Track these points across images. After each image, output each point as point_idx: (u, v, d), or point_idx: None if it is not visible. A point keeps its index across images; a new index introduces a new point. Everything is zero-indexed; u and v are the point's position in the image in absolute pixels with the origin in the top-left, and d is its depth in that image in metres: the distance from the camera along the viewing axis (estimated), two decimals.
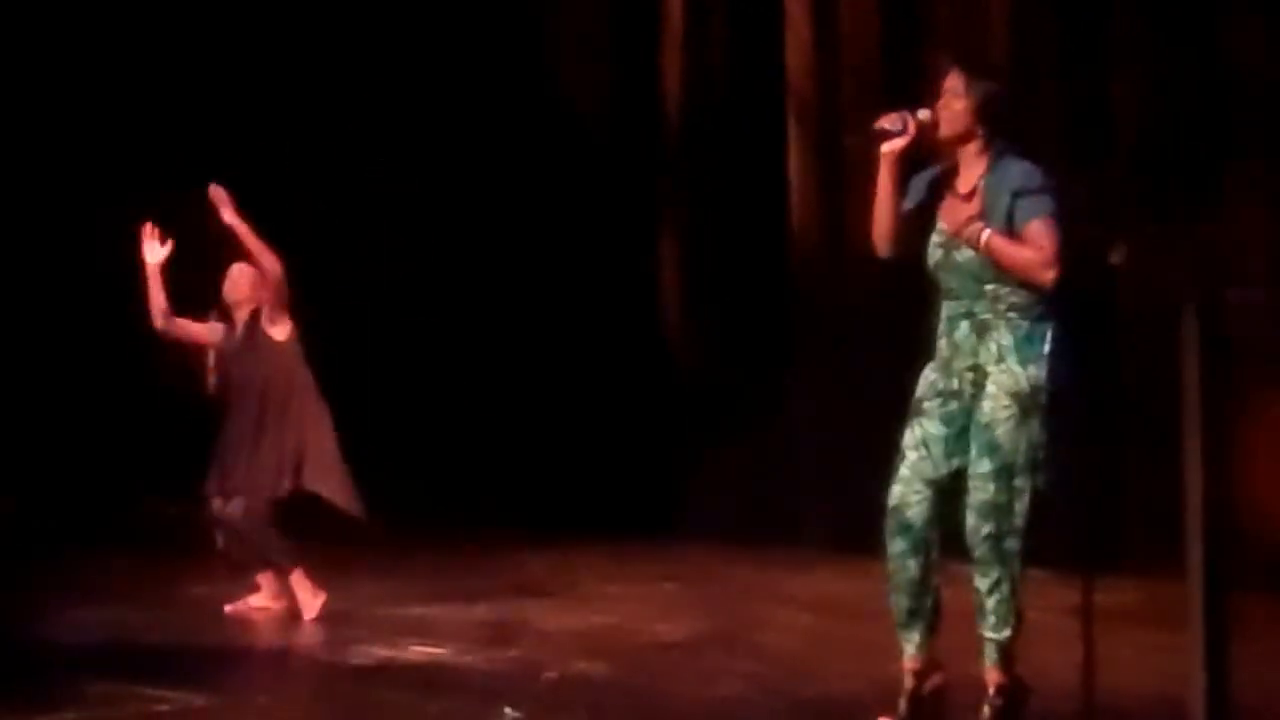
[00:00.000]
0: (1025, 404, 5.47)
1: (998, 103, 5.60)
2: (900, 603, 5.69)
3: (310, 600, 7.94)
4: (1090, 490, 6.12)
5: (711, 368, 10.78)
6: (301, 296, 8.13)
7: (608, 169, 11.09)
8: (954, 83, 5.60)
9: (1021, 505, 5.50)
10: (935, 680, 5.75)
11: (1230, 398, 3.95)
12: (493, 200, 11.32)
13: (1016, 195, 5.49)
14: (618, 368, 10.95)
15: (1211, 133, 8.79)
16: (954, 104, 5.58)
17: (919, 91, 5.74)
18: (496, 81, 11.30)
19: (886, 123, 5.60)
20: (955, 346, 5.61)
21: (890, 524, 5.67)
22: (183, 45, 11.40)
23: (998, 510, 5.49)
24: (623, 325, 10.97)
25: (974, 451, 5.52)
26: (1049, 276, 5.44)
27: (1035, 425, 5.47)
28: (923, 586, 5.65)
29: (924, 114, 5.60)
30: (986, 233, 5.47)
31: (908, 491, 5.64)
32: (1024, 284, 5.48)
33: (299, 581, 7.95)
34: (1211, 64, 8.84)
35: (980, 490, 5.50)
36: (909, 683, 5.72)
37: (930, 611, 5.68)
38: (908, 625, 5.71)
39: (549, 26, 11.44)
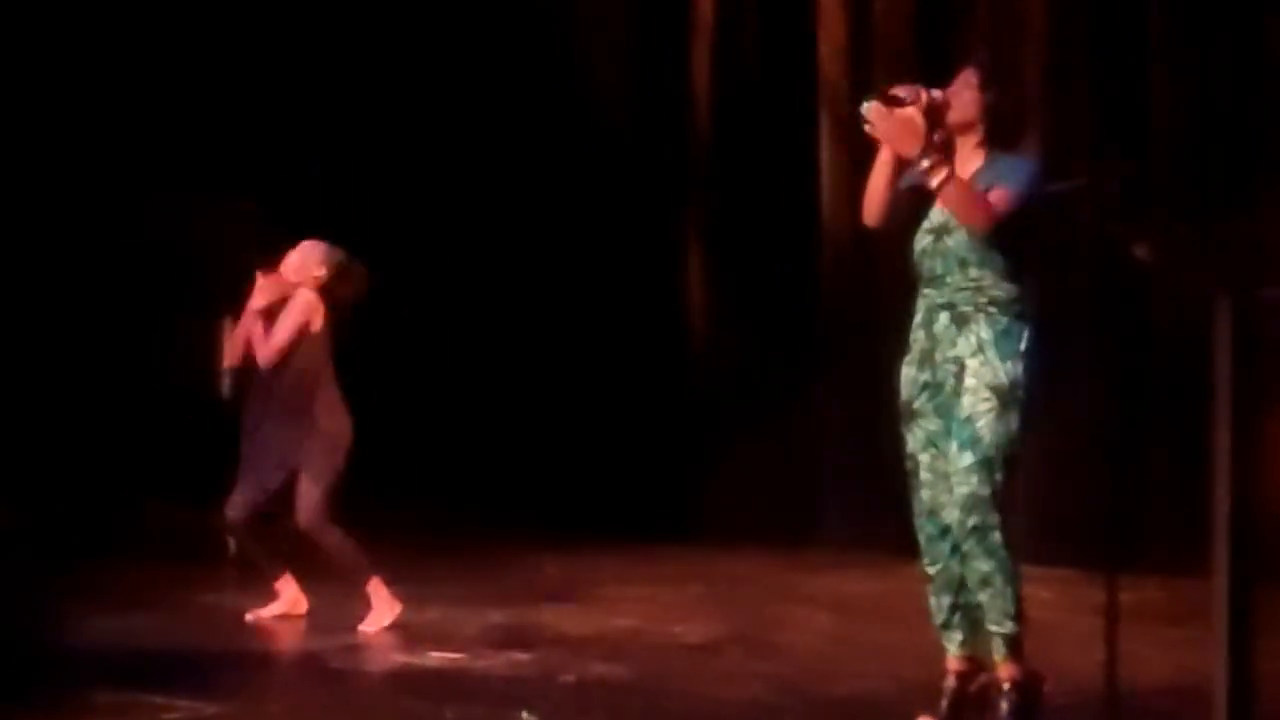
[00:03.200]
0: (1004, 398, 5.47)
1: (1003, 109, 5.65)
2: (943, 602, 5.66)
3: (384, 610, 7.72)
4: (1114, 489, 6.07)
5: (734, 367, 10.72)
6: None
7: (634, 165, 11.04)
8: (969, 76, 5.67)
9: (1005, 498, 5.48)
10: (980, 680, 5.70)
11: (1261, 397, 3.89)
12: (516, 196, 11.27)
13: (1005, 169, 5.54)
14: (638, 368, 10.90)
15: (1246, 130, 8.76)
16: (965, 93, 5.63)
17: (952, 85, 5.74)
18: (523, 74, 11.25)
19: (900, 91, 5.60)
20: (935, 338, 5.63)
21: (928, 529, 5.64)
22: (188, 44, 11.37)
23: (981, 503, 5.46)
24: (645, 324, 10.91)
25: (954, 446, 5.50)
26: (983, 220, 5.42)
27: (1013, 418, 5.48)
28: (965, 584, 5.61)
29: (938, 93, 5.62)
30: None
31: (936, 494, 5.60)
32: (1005, 276, 5.51)
33: (376, 590, 7.74)
34: (1246, 61, 8.82)
35: (964, 484, 5.48)
36: (951, 683, 5.69)
37: (973, 609, 5.63)
38: (949, 625, 5.68)
39: (576, 22, 11.38)
